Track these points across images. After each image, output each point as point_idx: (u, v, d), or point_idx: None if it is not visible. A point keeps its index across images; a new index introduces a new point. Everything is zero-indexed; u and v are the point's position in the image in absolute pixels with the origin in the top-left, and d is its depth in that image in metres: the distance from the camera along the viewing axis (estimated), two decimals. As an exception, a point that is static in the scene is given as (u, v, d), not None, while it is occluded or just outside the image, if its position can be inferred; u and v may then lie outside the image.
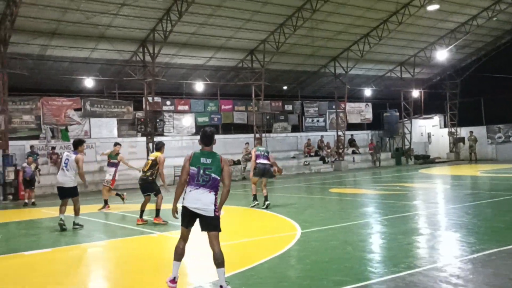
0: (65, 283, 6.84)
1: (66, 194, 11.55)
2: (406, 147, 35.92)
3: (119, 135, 27.67)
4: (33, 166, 18.63)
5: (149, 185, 11.88)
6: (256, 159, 13.74)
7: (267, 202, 13.26)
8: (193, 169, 6.08)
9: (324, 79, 34.58)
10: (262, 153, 13.88)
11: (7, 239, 10.73)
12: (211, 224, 5.93)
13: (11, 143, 21.46)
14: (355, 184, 22.07)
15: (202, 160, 6.12)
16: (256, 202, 13.54)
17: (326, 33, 27.86)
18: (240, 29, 25.55)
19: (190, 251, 8.17)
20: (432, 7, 25.73)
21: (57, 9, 20.49)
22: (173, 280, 6.03)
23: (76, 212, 11.57)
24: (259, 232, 10.16)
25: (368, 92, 36.37)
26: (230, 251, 8.06)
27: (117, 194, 16.09)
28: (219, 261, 5.83)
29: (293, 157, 32.55)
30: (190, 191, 6.03)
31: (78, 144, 11.73)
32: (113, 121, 27.39)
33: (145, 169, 11.89)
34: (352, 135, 35.74)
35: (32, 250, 9.23)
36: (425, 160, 35.36)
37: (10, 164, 20.46)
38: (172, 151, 28.51)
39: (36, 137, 24.62)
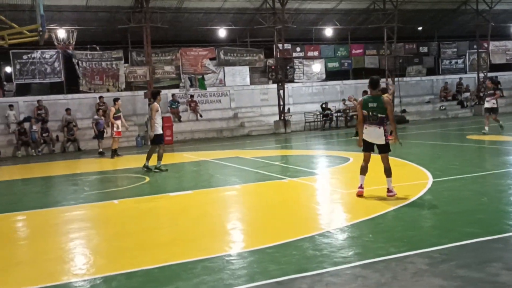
0: (203, 223, 7.54)
1: (153, 141, 13.02)
2: (561, 89, 32.31)
3: (251, 83, 28.58)
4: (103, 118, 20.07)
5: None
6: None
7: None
8: (365, 112, 8.09)
9: (465, 17, 31.88)
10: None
11: (155, 180, 11.92)
12: (383, 149, 8.13)
13: (155, 92, 23.27)
14: (497, 131, 20.60)
15: (370, 104, 8.06)
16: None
17: (467, -34, 25.56)
18: (371, -31, 24.44)
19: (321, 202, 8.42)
20: None
21: (191, -38, 21.27)
22: (361, 186, 8.24)
23: (159, 157, 12.91)
24: (389, 180, 10.07)
25: (516, 28, 33.01)
26: (358, 198, 8.21)
27: (114, 151, 17.50)
28: (387, 173, 8.06)
29: (428, 102, 31.08)
30: (366, 128, 8.17)
31: (156, 95, 13.02)
32: (246, 69, 28.28)
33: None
34: (496, 76, 32.91)
35: (176, 191, 10.20)
36: None
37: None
38: (302, 97, 28.87)
39: (176, 86, 26.38)
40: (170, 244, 6.36)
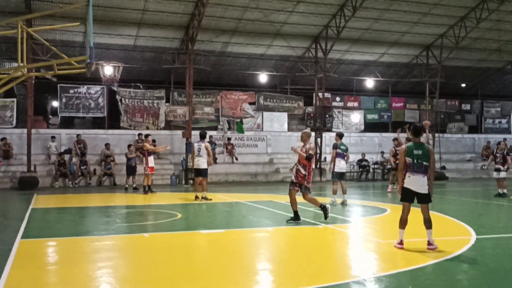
0: (233, 261, 7.29)
1: (200, 173, 15.00)
2: None
3: (289, 129, 28.57)
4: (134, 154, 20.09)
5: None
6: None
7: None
8: (409, 160, 7.76)
9: (510, 77, 31.47)
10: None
11: (187, 217, 11.77)
12: (425, 199, 7.80)
13: (193, 132, 23.49)
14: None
15: (415, 152, 7.77)
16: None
17: (515, 26, 25.35)
18: (416, 24, 24.53)
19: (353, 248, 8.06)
20: None
21: (239, 8, 21.86)
22: (400, 242, 7.82)
23: (204, 188, 14.96)
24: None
25: None
26: (395, 249, 7.81)
27: (148, 187, 17.60)
28: (428, 224, 7.72)
29: (469, 160, 30.28)
30: (409, 176, 7.79)
31: (204, 136, 15.19)
32: (284, 116, 28.36)
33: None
34: (541, 139, 31.96)
35: (208, 229, 10.01)
36: None
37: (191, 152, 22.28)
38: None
39: (215, 128, 26.59)
40: (198, 278, 6.13)
